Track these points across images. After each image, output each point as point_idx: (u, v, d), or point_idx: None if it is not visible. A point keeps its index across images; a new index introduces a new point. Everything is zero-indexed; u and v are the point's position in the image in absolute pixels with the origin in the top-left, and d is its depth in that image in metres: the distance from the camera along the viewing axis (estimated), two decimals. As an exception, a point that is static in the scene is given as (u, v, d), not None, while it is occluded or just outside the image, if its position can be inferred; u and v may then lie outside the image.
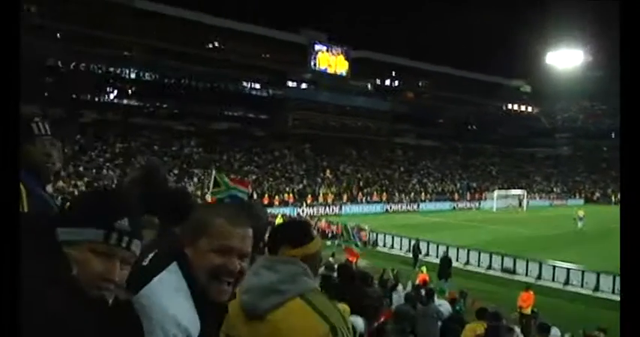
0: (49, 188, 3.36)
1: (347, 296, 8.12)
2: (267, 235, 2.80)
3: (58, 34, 46.34)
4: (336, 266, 14.21)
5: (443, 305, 11.52)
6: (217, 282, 1.80)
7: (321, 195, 46.54)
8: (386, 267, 21.13)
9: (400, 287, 14.97)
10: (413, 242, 27.11)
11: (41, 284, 1.36)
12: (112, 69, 50.21)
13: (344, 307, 7.19)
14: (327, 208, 44.57)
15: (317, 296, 2.18)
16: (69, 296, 1.40)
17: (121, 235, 1.53)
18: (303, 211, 41.63)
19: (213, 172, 18.82)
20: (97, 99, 50.18)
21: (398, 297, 13.07)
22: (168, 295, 1.71)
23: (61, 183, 31.91)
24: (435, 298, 11.72)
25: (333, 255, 18.12)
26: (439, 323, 10.60)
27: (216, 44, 57.33)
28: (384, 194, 50.38)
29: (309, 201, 44.39)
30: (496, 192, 54.63)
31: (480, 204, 54.92)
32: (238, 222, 1.90)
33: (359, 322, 6.82)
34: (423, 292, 12.21)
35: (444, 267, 21.71)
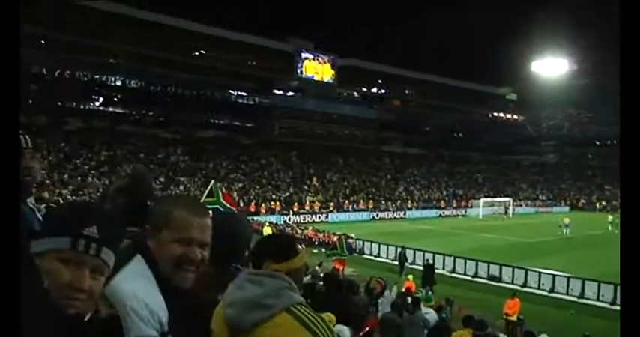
0: (32, 199, 3.32)
1: (333, 304, 8.09)
2: (250, 248, 2.79)
3: (43, 41, 46.00)
4: (322, 274, 14.21)
5: (429, 313, 11.49)
6: (180, 270, 1.89)
7: (307, 202, 46.49)
8: (372, 275, 21.15)
9: (387, 294, 14.94)
10: (399, 250, 27.12)
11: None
12: (97, 76, 49.99)
13: (330, 316, 7.16)
14: (314, 216, 44.50)
15: (303, 310, 2.13)
16: (43, 311, 1.39)
17: (88, 242, 1.50)
18: (289, 219, 41.55)
19: (212, 182, 18.87)
20: (82, 106, 50.02)
21: (384, 305, 13.03)
22: (136, 282, 1.77)
23: (45, 194, 31.68)
24: (422, 306, 11.71)
25: (320, 265, 17.98)
26: (425, 331, 10.59)
27: (203, 51, 57.30)
28: (371, 202, 50.42)
29: (295, 209, 44.31)
30: (482, 200, 54.89)
31: (466, 211, 55.08)
32: (198, 213, 1.98)
33: (345, 331, 6.81)
34: (409, 300, 12.18)
35: (428, 275, 21.74)
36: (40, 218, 2.78)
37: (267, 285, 2.16)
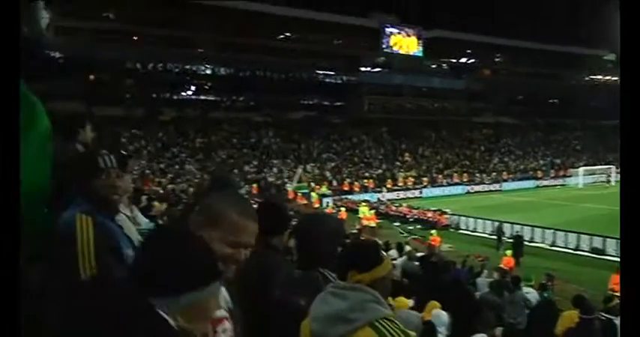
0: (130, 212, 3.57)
1: (430, 288, 8.18)
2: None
3: (135, 37, 48.12)
4: (418, 254, 14.24)
5: (530, 293, 11.16)
6: (223, 266, 1.88)
7: (400, 179, 46.35)
8: (468, 251, 21.05)
9: (485, 273, 14.80)
10: (496, 224, 26.76)
11: None
12: (188, 67, 51.38)
13: (434, 304, 7.28)
14: (408, 192, 44.34)
15: (388, 325, 2.13)
16: None
17: None
18: (383, 196, 41.55)
19: (299, 168, 19.42)
20: (175, 97, 51.68)
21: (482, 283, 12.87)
22: None
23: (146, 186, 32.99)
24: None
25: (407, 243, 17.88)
26: (526, 311, 10.37)
27: (288, 34, 57.82)
28: (465, 175, 49.72)
29: (389, 186, 44.27)
30: (582, 168, 52.80)
31: (564, 181, 53.32)
32: (251, 216, 2.03)
33: (442, 316, 6.89)
34: (508, 279, 11.95)
35: (517, 247, 21.47)
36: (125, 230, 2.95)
37: (351, 299, 2.19)
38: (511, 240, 23.34)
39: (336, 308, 2.19)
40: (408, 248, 14.57)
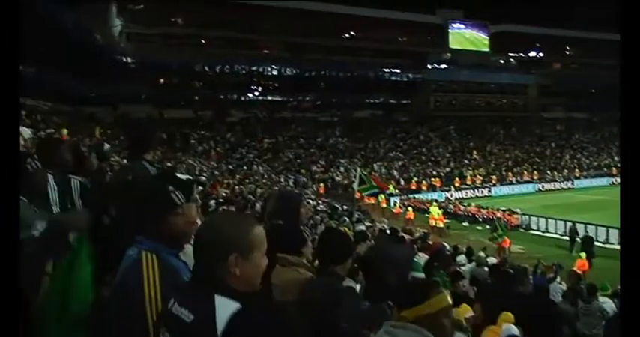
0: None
1: (501, 300, 8.06)
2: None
3: (203, 41, 49.25)
4: (488, 259, 14.03)
5: (606, 303, 10.61)
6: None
7: (469, 177, 45.75)
8: (539, 253, 20.65)
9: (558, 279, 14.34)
10: (568, 224, 26.13)
11: None
12: (254, 68, 52.07)
13: (507, 316, 7.18)
14: (476, 191, 43.76)
15: None
16: None
17: None
18: (451, 195, 41.15)
19: (358, 170, 19.57)
20: (242, 98, 52.48)
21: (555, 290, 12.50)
22: None
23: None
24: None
25: (484, 249, 17.48)
26: (602, 323, 9.88)
27: (352, 33, 57.92)
28: (535, 173, 48.56)
29: (457, 185, 43.79)
30: (660, 164, 50.92)
31: (641, 177, 51.44)
32: (258, 223, 2.11)
33: (511, 330, 6.79)
34: (583, 285, 11.50)
35: (587, 248, 20.90)
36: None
37: None
38: (597, 243, 22.82)
39: None
40: (481, 254, 14.31)
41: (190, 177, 3.86)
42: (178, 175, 3.41)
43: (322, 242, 3.48)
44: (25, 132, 7.59)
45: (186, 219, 2.61)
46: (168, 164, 23.27)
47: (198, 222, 2.65)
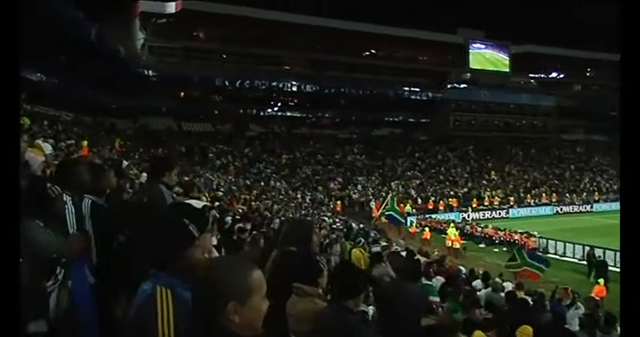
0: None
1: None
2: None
3: (224, 55, 49.66)
4: (504, 284, 13.81)
5: None
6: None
7: (487, 198, 45.44)
8: (556, 277, 20.38)
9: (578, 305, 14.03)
10: (587, 248, 25.80)
11: None
12: (274, 83, 52.33)
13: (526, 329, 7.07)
14: (494, 212, 43.41)
15: None
16: None
17: None
18: (468, 216, 40.90)
19: (389, 196, 19.58)
20: (262, 113, 52.73)
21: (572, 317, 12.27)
22: None
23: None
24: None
25: (501, 275, 17.05)
26: None
27: (373, 51, 58.13)
28: (554, 195, 48.17)
29: (474, 205, 43.50)
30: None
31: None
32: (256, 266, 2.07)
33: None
34: (601, 313, 11.26)
35: (599, 272, 20.59)
36: None
37: None
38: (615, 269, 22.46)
39: None
40: (497, 279, 14.08)
41: (207, 204, 3.85)
42: (194, 204, 3.39)
43: (336, 277, 3.46)
44: (46, 147, 7.62)
45: (203, 250, 2.57)
46: (186, 178, 23.29)
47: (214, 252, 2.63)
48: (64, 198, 3.61)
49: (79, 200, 3.96)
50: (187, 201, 3.71)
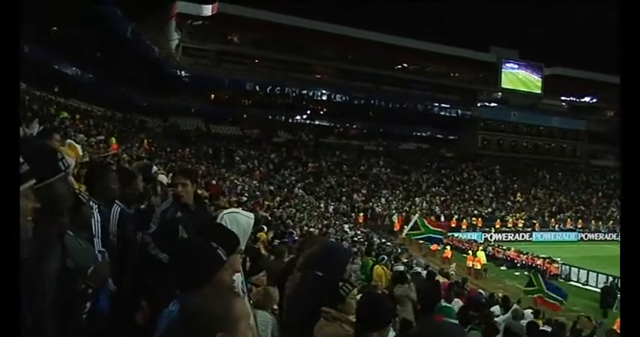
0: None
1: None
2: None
3: (256, 60, 49.94)
4: (525, 313, 13.48)
5: None
6: None
7: (510, 220, 44.98)
8: (577, 306, 20.04)
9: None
10: (610, 278, 25.34)
11: None
12: (304, 91, 52.44)
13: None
14: (517, 235, 42.94)
15: None
16: None
17: None
18: (490, 236, 40.49)
19: (416, 216, 19.33)
20: (290, 120, 52.86)
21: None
22: None
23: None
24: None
25: (519, 302, 16.58)
26: None
27: (405, 65, 58.03)
28: (579, 221, 47.61)
29: (497, 226, 43.09)
30: None
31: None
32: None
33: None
34: None
35: (606, 299, 20.23)
36: None
37: None
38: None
39: None
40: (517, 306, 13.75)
41: (253, 218, 3.75)
42: (242, 217, 3.39)
43: (361, 308, 3.38)
44: (79, 149, 7.63)
45: (231, 272, 2.62)
46: (214, 182, 23.36)
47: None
48: (91, 207, 3.56)
49: (105, 206, 3.93)
50: (229, 214, 3.61)
